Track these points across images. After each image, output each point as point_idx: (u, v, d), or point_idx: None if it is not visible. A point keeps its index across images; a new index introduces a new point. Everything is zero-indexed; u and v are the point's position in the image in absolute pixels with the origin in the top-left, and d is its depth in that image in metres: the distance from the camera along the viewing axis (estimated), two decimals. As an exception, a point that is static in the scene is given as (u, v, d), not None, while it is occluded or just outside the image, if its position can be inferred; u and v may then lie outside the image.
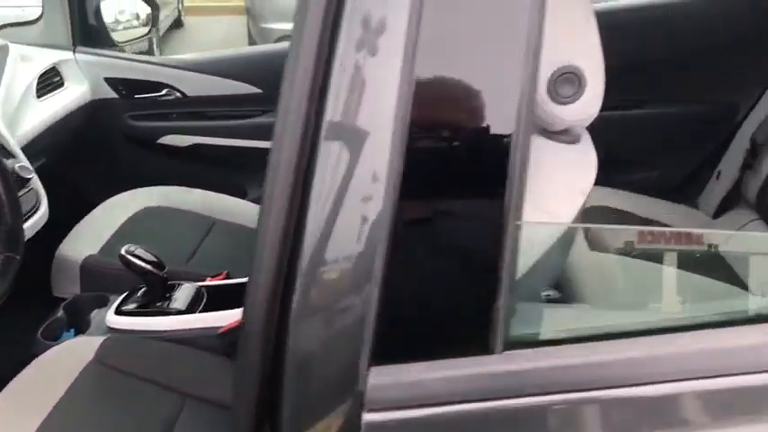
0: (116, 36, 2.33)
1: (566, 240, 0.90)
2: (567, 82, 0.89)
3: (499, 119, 0.63)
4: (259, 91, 2.18)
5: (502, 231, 0.63)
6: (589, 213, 1.91)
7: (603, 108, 2.11)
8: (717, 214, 2.03)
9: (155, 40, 4.91)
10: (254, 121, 2.19)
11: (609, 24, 2.05)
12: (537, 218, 0.87)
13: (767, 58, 1.94)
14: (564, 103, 0.90)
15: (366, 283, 0.62)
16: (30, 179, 1.50)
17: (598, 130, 2.11)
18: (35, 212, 1.49)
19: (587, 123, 0.96)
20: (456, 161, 0.65)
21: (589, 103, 0.91)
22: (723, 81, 2.08)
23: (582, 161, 0.95)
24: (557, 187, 0.88)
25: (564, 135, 0.95)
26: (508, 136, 0.63)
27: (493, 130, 0.64)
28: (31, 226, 1.44)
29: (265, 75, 2.13)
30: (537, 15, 0.62)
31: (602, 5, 2.17)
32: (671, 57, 2.07)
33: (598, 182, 2.06)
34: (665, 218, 1.99)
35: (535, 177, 0.88)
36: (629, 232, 1.86)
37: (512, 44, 0.63)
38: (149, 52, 4.46)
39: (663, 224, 1.95)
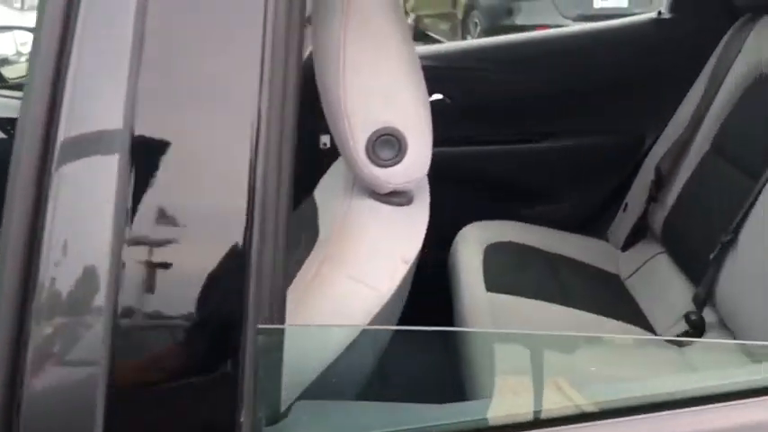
0: (8, 72, 2.17)
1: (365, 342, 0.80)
2: (387, 144, 0.82)
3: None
4: None
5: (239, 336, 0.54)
6: (494, 249, 1.89)
7: (512, 141, 2.12)
8: (625, 247, 2.01)
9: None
10: None
11: (515, 56, 2.08)
12: (352, 289, 0.79)
13: (671, 90, 1.94)
14: (384, 166, 0.83)
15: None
16: None
17: (507, 162, 2.12)
18: None
19: (413, 186, 0.88)
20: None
21: (413, 167, 0.85)
22: (630, 112, 2.07)
23: (409, 225, 0.88)
24: (378, 255, 0.81)
25: (393, 197, 0.88)
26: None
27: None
28: None
29: None
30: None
31: (506, 37, 2.16)
32: (578, 88, 2.05)
33: (507, 215, 2.06)
34: (573, 252, 1.96)
35: (355, 243, 0.81)
36: (535, 269, 1.84)
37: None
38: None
39: (570, 259, 1.92)
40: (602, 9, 6.01)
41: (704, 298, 1.58)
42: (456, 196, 2.13)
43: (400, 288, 0.81)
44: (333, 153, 1.98)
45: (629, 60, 2.02)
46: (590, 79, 2.04)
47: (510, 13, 6.45)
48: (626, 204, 2.02)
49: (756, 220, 1.49)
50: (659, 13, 2.02)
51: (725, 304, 1.53)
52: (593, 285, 1.84)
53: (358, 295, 0.77)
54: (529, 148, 2.09)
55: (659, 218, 1.88)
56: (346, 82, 0.77)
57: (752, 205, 1.50)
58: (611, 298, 1.80)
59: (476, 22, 6.88)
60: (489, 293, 1.65)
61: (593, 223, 2.13)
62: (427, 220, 0.90)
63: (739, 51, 1.79)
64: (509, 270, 1.77)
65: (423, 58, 2.05)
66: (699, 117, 1.85)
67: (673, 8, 2.00)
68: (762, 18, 1.77)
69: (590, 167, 2.11)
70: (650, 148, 1.99)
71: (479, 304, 1.61)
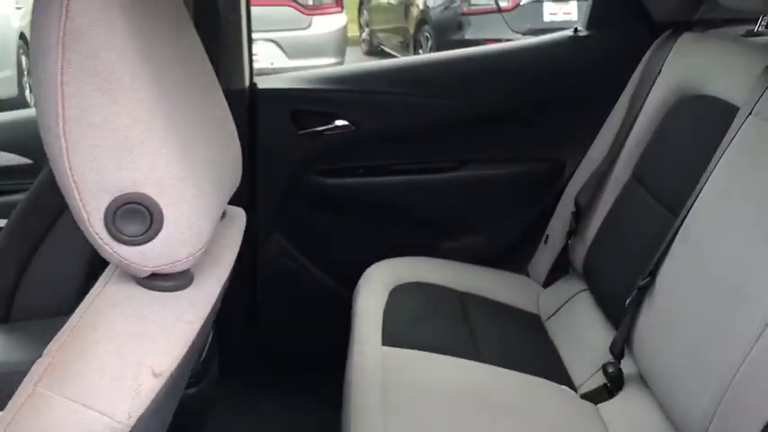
0: None
1: None
2: (133, 215, 0.62)
3: None
4: (30, 162, 1.87)
5: None
6: (400, 292, 1.71)
7: (424, 170, 1.95)
8: (547, 283, 1.86)
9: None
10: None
11: (423, 78, 1.91)
12: (75, 418, 0.58)
13: (591, 114, 1.79)
14: (134, 244, 0.63)
15: None
16: None
17: (419, 193, 1.95)
18: None
19: (184, 265, 0.67)
20: None
21: (176, 241, 0.64)
22: (549, 138, 1.92)
23: (177, 318, 0.66)
24: (116, 368, 0.61)
25: (162, 281, 0.67)
26: None
27: None
28: None
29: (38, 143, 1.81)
30: None
31: (414, 58, 2.00)
32: (493, 112, 1.89)
33: (421, 250, 1.89)
34: (489, 290, 1.79)
35: (86, 351, 0.61)
36: (442, 314, 1.67)
37: None
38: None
39: (485, 299, 1.76)
40: (551, 23, 5.92)
41: (621, 347, 1.43)
42: (364, 231, 1.96)
43: (156, 408, 0.62)
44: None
45: (545, 81, 1.87)
46: (505, 102, 1.88)
47: (460, 27, 6.34)
48: (546, 237, 1.86)
49: (674, 262, 1.33)
50: (575, 30, 1.87)
51: (642, 355, 1.37)
52: (508, 329, 1.67)
53: (84, 426, 0.58)
54: (442, 177, 1.93)
55: (580, 253, 1.72)
56: (67, 135, 0.58)
57: (669, 244, 1.35)
58: (526, 344, 1.64)
59: (426, 37, 6.76)
60: (384, 348, 1.47)
61: (513, 257, 1.97)
62: (214, 303, 0.71)
63: (659, 72, 1.64)
64: (413, 317, 1.60)
65: (326, 80, 1.93)
66: (619, 143, 1.70)
67: (589, 24, 1.85)
68: (682, 35, 1.63)
69: (508, 197, 1.95)
70: (571, 176, 1.83)
71: (372, 360, 1.43)
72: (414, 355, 1.46)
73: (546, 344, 1.67)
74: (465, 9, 6.28)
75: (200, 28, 1.70)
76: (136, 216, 0.60)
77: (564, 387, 1.48)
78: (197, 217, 0.64)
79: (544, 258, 1.86)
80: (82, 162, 0.58)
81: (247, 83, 1.81)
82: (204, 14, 1.66)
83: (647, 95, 1.65)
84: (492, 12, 6.14)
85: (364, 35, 8.63)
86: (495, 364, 1.49)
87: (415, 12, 7.16)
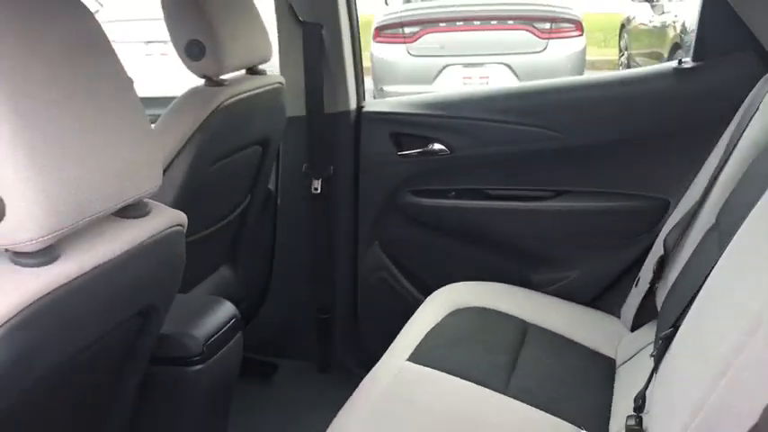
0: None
1: None
2: None
3: None
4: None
5: None
6: (456, 315, 1.73)
7: (518, 198, 1.95)
8: (634, 326, 1.74)
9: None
10: None
11: (526, 106, 1.89)
12: None
13: (696, 150, 1.66)
14: None
15: None
16: None
17: (514, 220, 1.94)
18: None
19: (34, 246, 0.84)
20: None
21: (14, 230, 0.82)
22: (652, 174, 1.80)
23: (20, 285, 0.84)
24: None
25: (25, 257, 0.85)
26: None
27: None
28: None
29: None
30: None
31: (517, 86, 1.98)
32: (595, 143, 1.83)
33: (510, 278, 1.88)
34: (565, 327, 1.73)
35: None
36: (489, 342, 1.66)
37: None
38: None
39: (554, 334, 1.70)
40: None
41: (643, 399, 1.33)
42: (455, 251, 2.01)
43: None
44: (323, 198, 2.01)
45: (647, 113, 1.76)
46: (605, 133, 1.80)
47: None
48: (638, 279, 1.75)
49: (691, 317, 1.22)
50: (680, 61, 1.73)
51: (652, 413, 1.27)
52: (561, 368, 1.61)
53: None
54: (535, 206, 1.90)
55: (661, 299, 1.60)
56: None
57: (694, 297, 1.24)
58: (573, 385, 1.56)
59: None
60: (407, 363, 1.52)
61: (608, 296, 1.87)
62: (61, 280, 0.87)
63: (756, 110, 1.48)
64: (454, 340, 1.62)
65: (427, 105, 2.01)
66: (710, 185, 1.55)
67: (696, 55, 1.71)
68: (786, 69, 1.45)
69: (606, 233, 1.86)
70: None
71: (387, 372, 1.50)
72: (431, 374, 1.49)
73: (600, 389, 1.58)
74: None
75: (307, 56, 1.92)
76: None
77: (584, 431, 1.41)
78: (38, 212, 0.81)
79: (633, 301, 1.75)
80: None
81: (353, 106, 1.97)
82: (309, 45, 1.86)
83: (742, 135, 1.50)
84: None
85: (623, 59, 8.32)
86: (515, 398, 1.46)
87: (670, 34, 6.76)
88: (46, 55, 0.85)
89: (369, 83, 7.92)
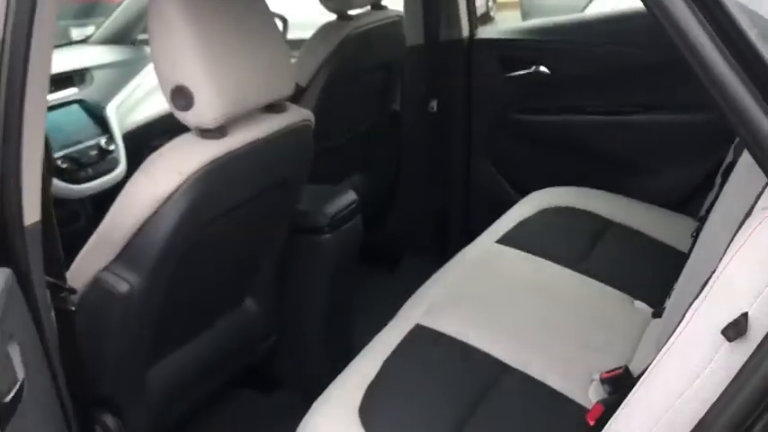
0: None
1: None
2: (180, 95, 1.21)
3: None
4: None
5: None
6: (546, 212, 2.00)
7: (613, 112, 2.17)
8: (711, 225, 1.94)
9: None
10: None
11: (618, 29, 2.07)
12: (138, 180, 1.24)
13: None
14: (183, 110, 1.22)
15: None
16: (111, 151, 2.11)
17: (607, 133, 2.15)
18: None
19: (213, 124, 1.24)
20: None
21: (203, 112, 1.22)
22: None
23: (201, 151, 1.25)
24: (163, 164, 1.24)
25: (208, 133, 1.27)
26: None
27: None
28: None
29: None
30: None
31: (609, 12, 2.16)
32: (681, 62, 2.00)
33: (603, 185, 2.11)
34: (647, 226, 1.94)
35: (156, 155, 1.24)
36: (573, 234, 1.91)
37: None
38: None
39: (635, 231, 1.92)
40: None
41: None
42: (558, 163, 2.28)
43: (182, 193, 1.22)
44: (439, 116, 2.33)
45: None
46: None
47: None
48: (715, 183, 1.94)
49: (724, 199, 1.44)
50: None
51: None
52: (635, 257, 1.84)
53: (140, 184, 1.25)
54: (628, 119, 2.12)
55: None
56: (155, 52, 1.21)
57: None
58: (645, 271, 1.78)
59: None
60: (495, 244, 1.83)
61: (691, 202, 2.06)
62: (228, 150, 1.27)
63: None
64: (541, 231, 1.89)
65: (529, 32, 2.25)
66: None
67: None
68: None
69: (689, 144, 2.04)
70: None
71: (477, 251, 1.82)
72: (515, 253, 1.79)
73: (668, 273, 1.81)
74: None
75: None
76: (182, 96, 1.21)
77: (639, 303, 1.65)
78: (217, 101, 1.22)
79: (709, 202, 1.94)
80: (158, 66, 1.23)
81: (466, 33, 2.27)
82: None
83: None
84: None
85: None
86: (589, 276, 1.72)
87: None
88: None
89: (517, 16, 7.99)
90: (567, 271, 1.72)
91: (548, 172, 2.28)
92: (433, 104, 2.30)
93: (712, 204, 1.87)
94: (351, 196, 1.82)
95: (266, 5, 1.35)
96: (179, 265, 1.32)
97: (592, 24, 2.17)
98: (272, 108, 1.39)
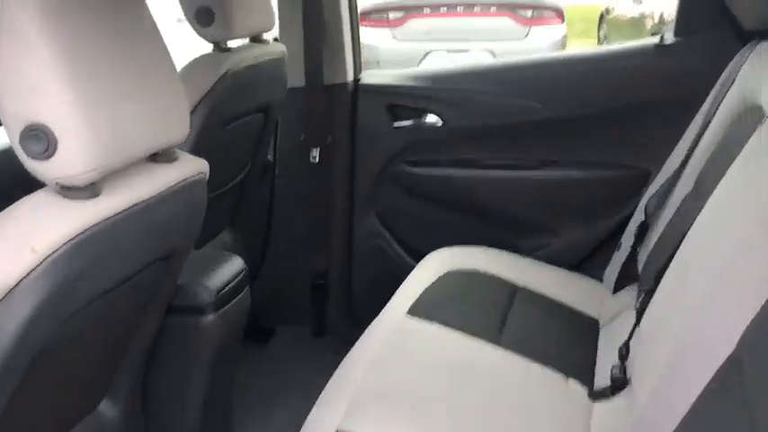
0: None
1: None
2: (35, 138, 0.87)
3: None
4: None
5: None
6: (450, 276, 1.82)
7: (507, 167, 2.04)
8: (616, 290, 1.85)
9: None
10: None
11: (514, 80, 1.99)
12: None
13: (677, 122, 1.76)
14: (38, 159, 0.88)
15: None
16: None
17: (503, 189, 2.03)
18: None
19: (83, 181, 0.92)
20: None
21: (69, 162, 0.89)
22: (635, 145, 1.90)
23: (69, 218, 0.91)
24: (8, 242, 0.87)
25: (74, 192, 0.93)
26: None
27: None
28: None
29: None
30: None
31: (506, 60, 2.08)
32: (580, 116, 1.93)
33: (500, 244, 1.98)
34: (551, 289, 1.83)
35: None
36: (483, 301, 1.76)
37: None
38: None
39: (540, 296, 1.80)
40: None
41: (625, 351, 1.43)
42: (447, 219, 2.10)
43: (35, 279, 0.87)
44: (320, 167, 2.09)
45: (632, 88, 1.86)
46: (592, 106, 1.90)
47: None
48: (620, 244, 1.85)
49: (670, 274, 1.32)
50: (662, 38, 1.83)
51: (633, 362, 1.37)
52: (548, 325, 1.71)
53: None
54: (523, 175, 2.00)
55: (642, 262, 1.71)
56: (1, 76, 0.85)
57: (675, 251, 1.34)
58: (561, 341, 1.66)
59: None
60: (407, 318, 1.61)
61: (592, 261, 1.98)
62: (102, 217, 0.94)
63: (732, 83, 1.58)
64: (450, 298, 1.71)
65: (422, 78, 2.10)
66: (689, 154, 1.66)
67: (677, 31, 1.81)
68: (759, 44, 1.55)
69: (589, 201, 1.96)
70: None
71: (388, 325, 1.58)
72: (429, 327, 1.58)
73: (585, 344, 1.68)
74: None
75: (307, 27, 1.99)
76: (38, 139, 0.86)
77: (572, 380, 1.50)
78: (89, 147, 0.88)
79: (615, 265, 1.85)
80: (6, 99, 0.86)
81: (351, 78, 2.05)
82: (309, 16, 1.93)
83: (719, 106, 1.60)
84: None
85: (602, 49, 8.43)
86: (509, 349, 1.55)
87: (648, 24, 6.90)
88: (95, 12, 0.93)
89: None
90: (491, 348, 1.54)
91: (440, 230, 2.11)
92: (315, 153, 2.05)
93: (626, 269, 1.80)
94: (237, 264, 1.51)
95: (156, 27, 1.04)
96: (26, 371, 0.95)
97: (486, 74, 2.04)
98: (160, 157, 1.08)
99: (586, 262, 1.98)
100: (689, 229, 1.34)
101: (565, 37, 6.09)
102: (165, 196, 1.05)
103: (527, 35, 5.90)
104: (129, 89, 0.95)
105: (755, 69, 1.51)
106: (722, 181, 1.27)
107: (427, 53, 5.70)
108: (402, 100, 2.04)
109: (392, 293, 2.15)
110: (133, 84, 0.96)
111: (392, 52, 5.78)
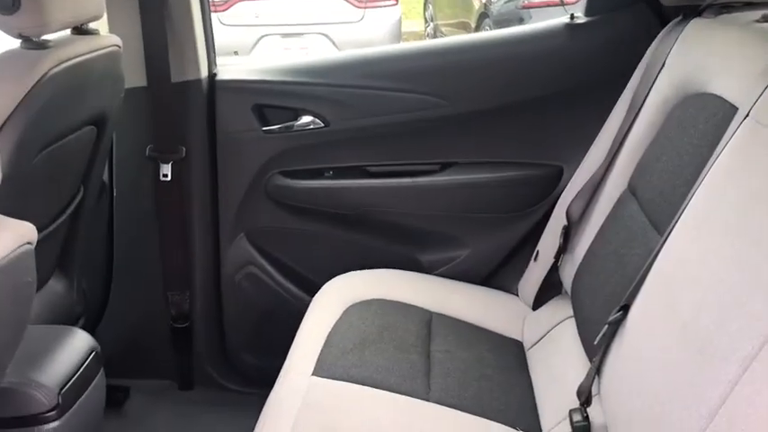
0: None
1: None
2: None
3: None
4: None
5: None
6: (355, 311, 1.52)
7: (402, 174, 1.75)
8: (536, 305, 1.63)
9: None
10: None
11: (403, 70, 1.70)
12: None
13: (591, 113, 1.56)
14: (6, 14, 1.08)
15: None
16: None
17: (397, 200, 1.75)
18: None
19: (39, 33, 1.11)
20: None
21: (30, 17, 1.12)
22: (545, 140, 1.69)
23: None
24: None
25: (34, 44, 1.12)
26: None
27: None
28: None
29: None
30: None
31: (392, 47, 1.79)
32: (482, 109, 1.68)
33: (399, 262, 1.70)
34: (466, 311, 1.58)
35: None
36: (397, 338, 1.48)
37: None
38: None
39: (457, 321, 1.55)
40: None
41: (589, 392, 1.20)
42: (334, 238, 1.79)
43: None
44: (173, 185, 1.69)
45: (538, 74, 1.64)
46: (494, 98, 1.66)
47: (521, 21, 6.05)
48: (537, 253, 1.63)
49: (648, 295, 1.10)
50: (572, 16, 1.62)
51: (607, 403, 1.14)
52: (476, 360, 1.45)
53: None
54: (422, 181, 1.72)
55: (569, 273, 1.49)
56: None
57: (646, 273, 1.11)
58: (493, 380, 1.41)
59: (487, 30, 6.51)
60: (313, 378, 1.29)
61: (502, 273, 1.75)
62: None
63: (662, 66, 1.39)
64: (360, 341, 1.40)
65: (294, 72, 1.76)
66: (616, 148, 1.46)
67: (589, 10, 1.61)
68: (689, 22, 1.37)
69: (498, 206, 1.72)
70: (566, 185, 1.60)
71: (293, 391, 1.25)
72: (344, 388, 1.26)
73: (520, 380, 1.44)
74: (526, 2, 5.98)
75: (145, 13, 1.58)
76: None
77: (521, 433, 1.26)
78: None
79: (533, 277, 1.63)
80: None
81: (205, 73, 1.66)
82: (147, 1, 1.52)
83: (649, 93, 1.41)
84: (554, 5, 5.83)
85: (428, 30, 8.43)
86: (444, 404, 1.28)
87: (476, 5, 6.93)
88: None
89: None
90: (421, 405, 1.25)
91: (328, 253, 1.78)
92: (166, 170, 1.64)
93: (545, 281, 1.58)
94: (84, 342, 1.10)
95: None
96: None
97: (375, 64, 1.72)
98: (82, 31, 1.30)
99: (497, 275, 1.75)
100: (655, 247, 1.12)
101: (400, 19, 5.94)
102: (90, 61, 1.28)
103: (362, 17, 5.66)
104: None
105: (692, 52, 1.32)
106: (700, 189, 1.06)
107: (260, 38, 5.28)
108: (272, 99, 1.68)
109: (274, 330, 1.80)
110: None
111: (220, 39, 5.31)
